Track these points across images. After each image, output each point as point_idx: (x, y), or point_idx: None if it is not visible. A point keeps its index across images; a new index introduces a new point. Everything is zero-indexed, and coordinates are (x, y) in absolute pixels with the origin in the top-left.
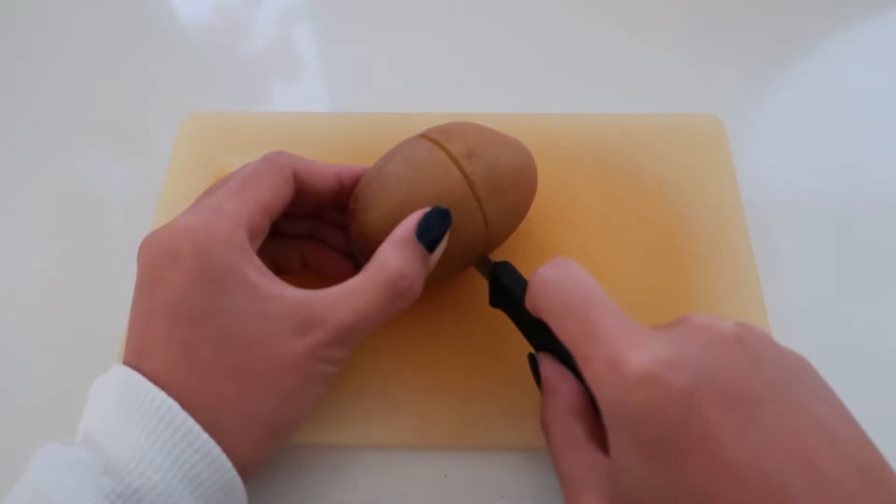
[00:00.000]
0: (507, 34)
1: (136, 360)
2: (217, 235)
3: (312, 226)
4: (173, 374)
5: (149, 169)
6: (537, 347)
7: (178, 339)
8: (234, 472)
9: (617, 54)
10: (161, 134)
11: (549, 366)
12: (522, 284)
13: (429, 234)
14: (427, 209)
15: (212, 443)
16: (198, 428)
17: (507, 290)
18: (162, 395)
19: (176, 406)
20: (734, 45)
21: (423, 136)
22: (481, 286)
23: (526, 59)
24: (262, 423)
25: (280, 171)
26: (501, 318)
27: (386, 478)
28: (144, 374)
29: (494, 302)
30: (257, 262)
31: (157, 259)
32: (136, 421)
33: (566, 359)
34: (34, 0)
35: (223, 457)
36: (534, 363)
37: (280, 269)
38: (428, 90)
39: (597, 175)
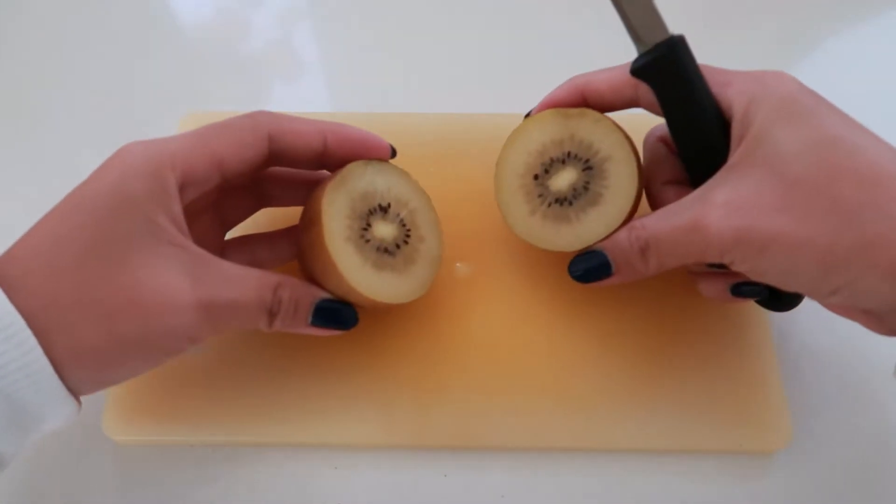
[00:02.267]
0: (508, 34)
1: (22, 238)
2: (142, 166)
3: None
4: (30, 256)
5: None
6: (680, 137)
7: (54, 229)
8: (33, 340)
9: (616, 55)
10: (161, 134)
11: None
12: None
13: (323, 316)
14: (341, 304)
15: (10, 307)
16: None
17: (683, 71)
18: None
19: None
20: (733, 46)
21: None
22: (481, 287)
23: (526, 59)
24: (85, 342)
25: (252, 128)
26: (501, 319)
27: (386, 478)
28: (14, 249)
29: (643, 72)
30: (175, 210)
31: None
32: None
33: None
34: (35, 0)
35: (21, 322)
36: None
37: (274, 262)
38: (428, 90)
39: None
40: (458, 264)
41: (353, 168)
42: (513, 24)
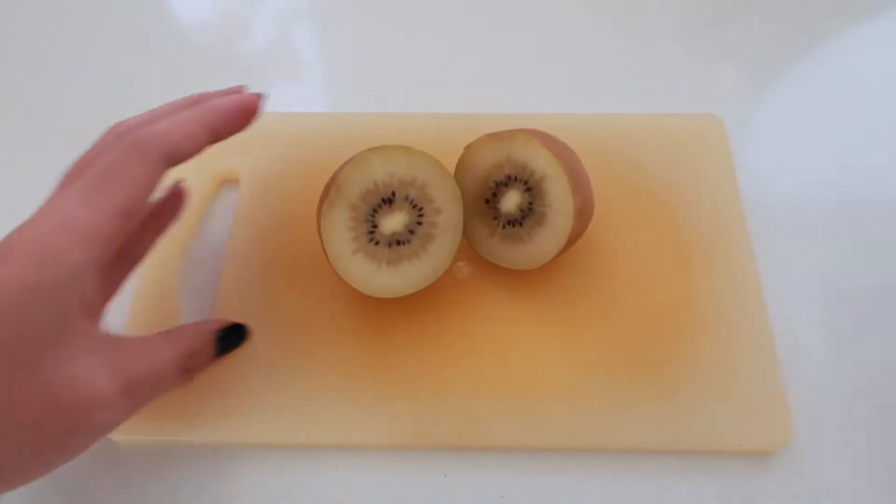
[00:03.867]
0: (507, 34)
1: None
2: (55, 247)
3: None
4: None
5: None
6: None
7: None
8: None
9: (616, 54)
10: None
11: None
12: None
13: (223, 350)
14: (235, 324)
15: None
16: None
17: None
18: None
19: None
20: (734, 45)
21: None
22: (481, 287)
23: (525, 59)
24: (7, 458)
25: (141, 160)
26: (502, 319)
27: (386, 478)
28: None
29: None
30: (87, 286)
31: None
32: None
33: None
34: (35, 1)
35: None
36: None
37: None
38: (428, 90)
39: (596, 175)
40: (458, 264)
41: (347, 172)
42: (513, 25)
